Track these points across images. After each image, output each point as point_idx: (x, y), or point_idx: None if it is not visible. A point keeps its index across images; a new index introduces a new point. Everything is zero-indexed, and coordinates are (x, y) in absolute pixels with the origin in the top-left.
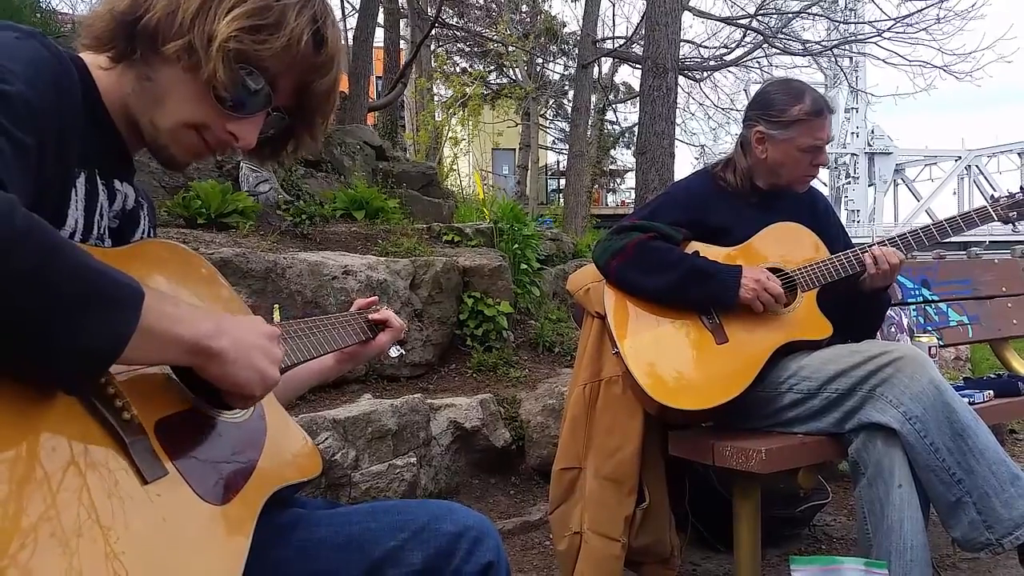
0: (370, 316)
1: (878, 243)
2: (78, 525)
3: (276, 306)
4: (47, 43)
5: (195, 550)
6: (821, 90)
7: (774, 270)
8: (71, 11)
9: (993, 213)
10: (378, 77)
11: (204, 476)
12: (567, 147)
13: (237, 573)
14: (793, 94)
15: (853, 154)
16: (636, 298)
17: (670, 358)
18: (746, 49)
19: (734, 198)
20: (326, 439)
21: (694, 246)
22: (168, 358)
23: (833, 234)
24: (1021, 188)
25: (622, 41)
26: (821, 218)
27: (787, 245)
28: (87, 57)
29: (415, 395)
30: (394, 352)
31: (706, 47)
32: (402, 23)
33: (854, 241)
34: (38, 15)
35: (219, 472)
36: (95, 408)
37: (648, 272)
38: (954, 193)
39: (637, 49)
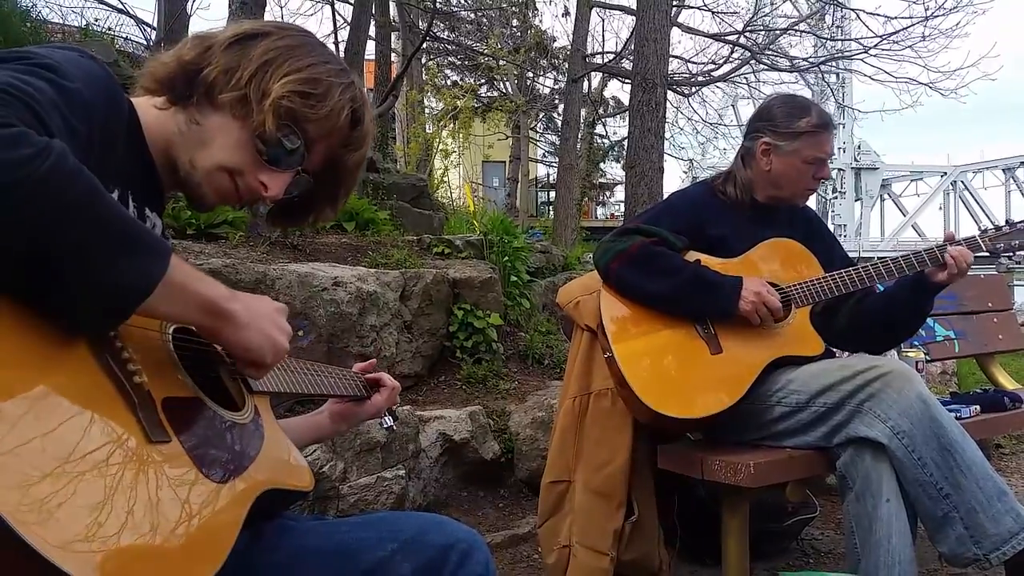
0: (366, 376)
1: (948, 244)
2: (80, 465)
3: None
4: (105, 67)
5: (191, 514)
6: None
7: (770, 284)
8: (61, 21)
9: (982, 244)
10: (369, 89)
11: (204, 454)
12: (557, 160)
13: (228, 543)
14: (800, 107)
15: (840, 169)
16: (633, 302)
17: (664, 366)
18: (734, 65)
19: (732, 210)
20: (314, 451)
21: (693, 255)
22: (187, 314)
23: (828, 250)
24: (1007, 221)
25: (612, 56)
26: (816, 235)
27: (782, 260)
28: (135, 100)
29: (404, 407)
30: (386, 423)
31: (694, 63)
32: (393, 36)
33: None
34: (28, 24)
35: (218, 455)
36: (109, 367)
37: (649, 276)
38: (940, 208)
39: (626, 64)
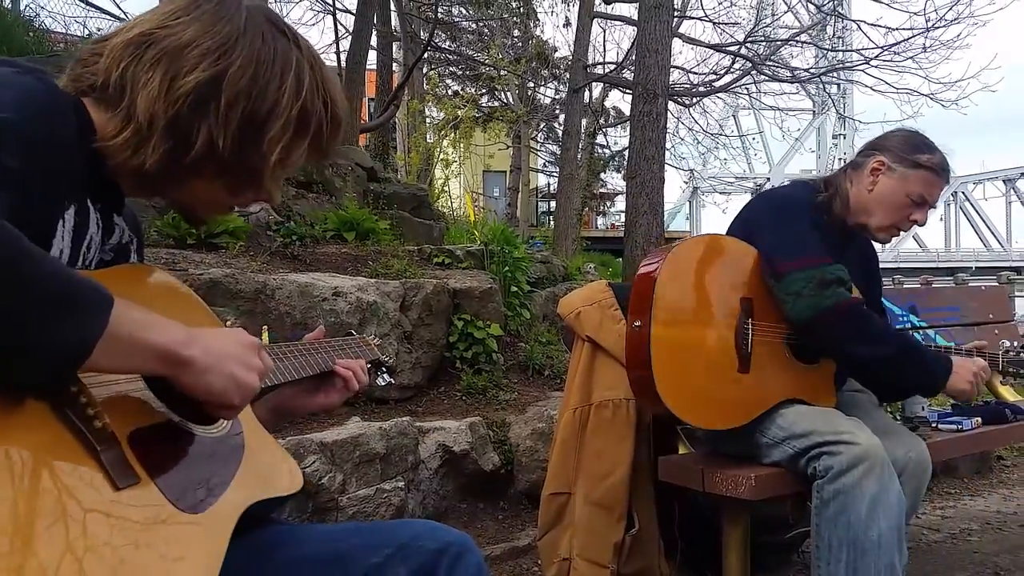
0: (336, 363)
1: (976, 352)
2: (44, 528)
3: (265, 328)
4: (45, 79)
5: (167, 556)
6: (808, 116)
7: None
8: (64, 30)
9: (1000, 362)
10: (370, 99)
11: (178, 485)
12: (558, 170)
13: None
14: (927, 144)
15: None
16: (841, 362)
17: (691, 362)
18: (735, 76)
19: (823, 227)
20: (313, 463)
21: None
22: (139, 365)
23: (874, 294)
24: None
25: (613, 66)
26: (872, 276)
27: None
28: (87, 100)
29: (404, 418)
30: (382, 380)
31: (696, 73)
32: (395, 46)
33: None
34: (31, 34)
35: (194, 482)
36: (66, 416)
37: (862, 341)
38: (941, 219)
39: (627, 74)
